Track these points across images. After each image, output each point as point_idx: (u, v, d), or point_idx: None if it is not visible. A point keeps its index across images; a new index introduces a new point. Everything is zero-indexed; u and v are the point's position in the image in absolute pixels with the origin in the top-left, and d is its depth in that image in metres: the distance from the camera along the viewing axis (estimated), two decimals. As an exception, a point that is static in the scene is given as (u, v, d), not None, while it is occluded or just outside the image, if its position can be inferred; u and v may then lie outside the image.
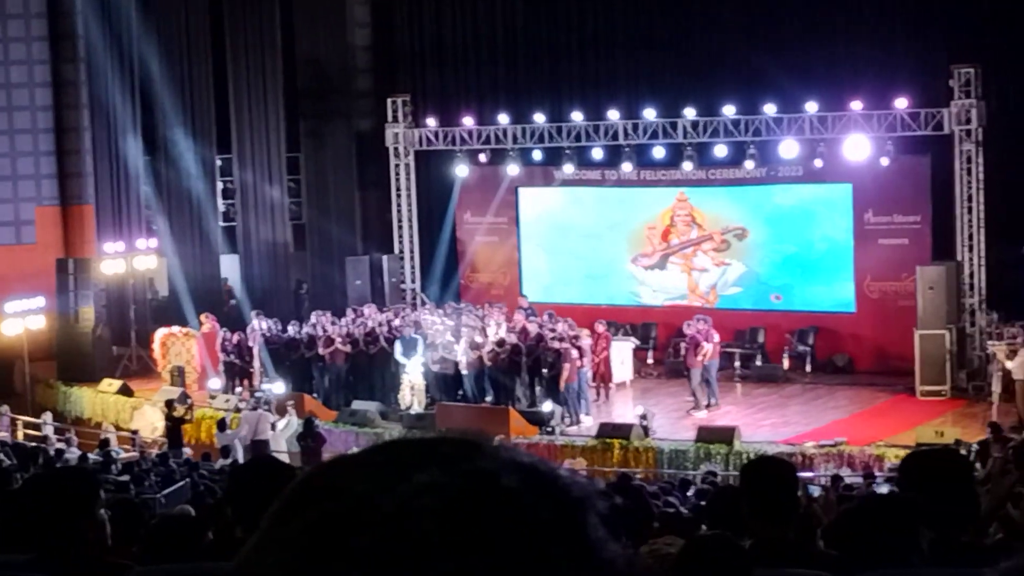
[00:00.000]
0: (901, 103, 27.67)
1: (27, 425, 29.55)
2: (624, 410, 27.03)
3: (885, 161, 27.86)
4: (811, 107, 28.37)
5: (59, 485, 4.78)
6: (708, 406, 26.49)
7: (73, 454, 23.06)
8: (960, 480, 5.12)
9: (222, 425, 25.04)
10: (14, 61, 36.02)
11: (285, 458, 23.18)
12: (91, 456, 21.97)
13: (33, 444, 25.72)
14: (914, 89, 28.05)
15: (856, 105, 27.98)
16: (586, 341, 26.81)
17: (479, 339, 27.07)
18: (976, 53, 27.80)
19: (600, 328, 27.87)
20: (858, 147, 27.94)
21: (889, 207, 28.85)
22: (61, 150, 36.63)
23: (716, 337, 26.70)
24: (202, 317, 31.45)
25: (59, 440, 26.59)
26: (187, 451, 24.58)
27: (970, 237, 27.54)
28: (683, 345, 27.44)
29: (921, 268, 27.07)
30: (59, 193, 36.78)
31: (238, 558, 1.27)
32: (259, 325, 29.65)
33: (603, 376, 27.77)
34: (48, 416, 29.67)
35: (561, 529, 1.23)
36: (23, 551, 5.13)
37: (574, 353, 25.92)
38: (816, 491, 15.34)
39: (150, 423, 28.35)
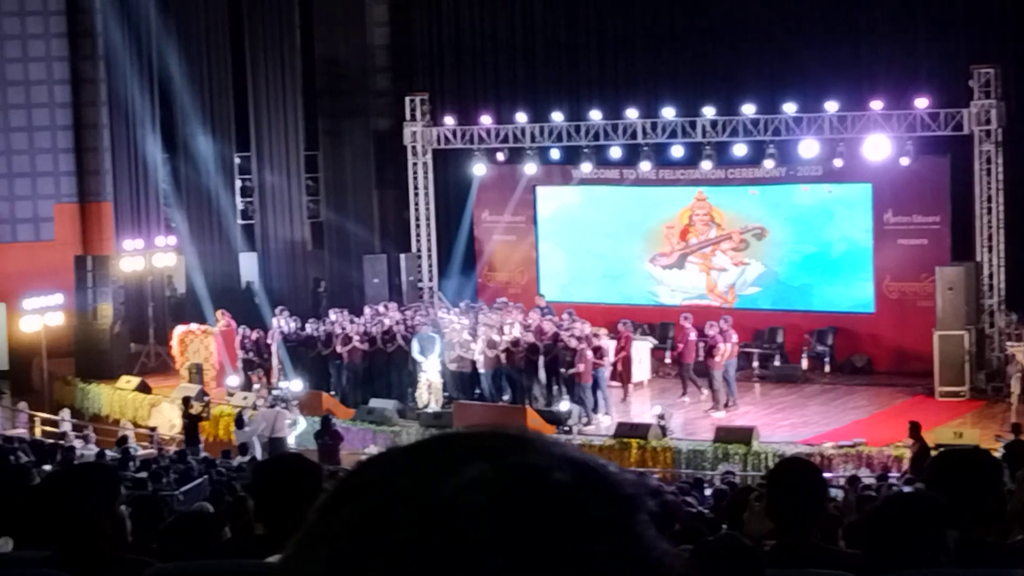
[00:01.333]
0: (921, 103, 27.59)
1: (45, 422, 29.63)
2: (642, 410, 26.97)
3: (905, 161, 27.77)
4: (831, 107, 28.27)
5: (79, 481, 4.76)
6: (726, 406, 26.42)
7: (91, 451, 23.10)
8: (988, 480, 5.07)
9: (240, 422, 25.04)
10: (33, 58, 36.14)
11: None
12: (109, 453, 21.99)
13: (51, 441, 25.78)
14: (934, 89, 27.95)
15: (876, 105, 27.90)
16: (605, 340, 26.76)
17: (496, 338, 27.03)
18: (996, 53, 27.73)
19: (622, 328, 27.79)
20: (878, 147, 27.86)
21: (909, 207, 28.77)
22: (80, 147, 36.76)
23: (734, 337, 26.63)
24: (218, 314, 31.50)
25: (77, 437, 26.64)
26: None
27: (989, 238, 27.45)
28: (676, 345, 27.32)
29: (940, 269, 26.98)
30: (78, 190, 36.92)
31: (284, 552, 1.25)
32: (279, 323, 29.64)
33: (622, 376, 27.70)
34: (66, 413, 29.74)
35: (611, 527, 1.20)
36: (42, 547, 5.11)
37: (589, 353, 25.87)
38: (835, 492, 15.27)
39: (168, 420, 28.40)
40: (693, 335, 27.25)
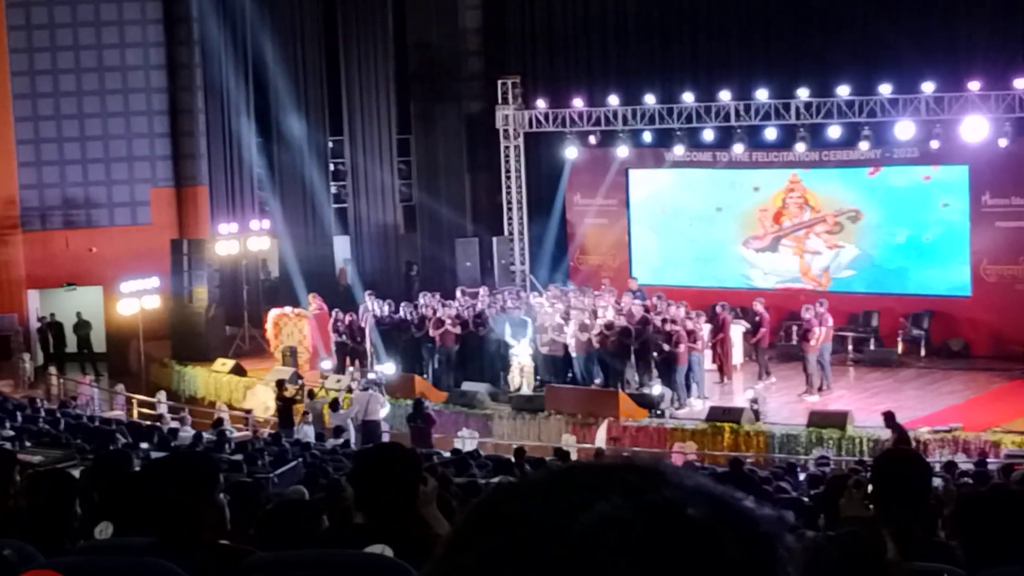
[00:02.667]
0: (1020, 83, 27.13)
1: (142, 404, 30.02)
2: (735, 394, 26.83)
3: (1003, 142, 27.35)
4: (928, 87, 27.91)
5: (179, 470, 4.80)
6: (820, 390, 26.20)
7: (187, 433, 23.35)
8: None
9: (335, 405, 25.19)
10: (130, 44, 36.54)
11: (385, 439, 23.40)
12: (205, 435, 22.21)
13: (148, 423, 26.11)
14: (1034, 69, 27.52)
15: (974, 86, 27.49)
16: (701, 324, 26.62)
17: (588, 321, 26.97)
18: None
19: (720, 311, 27.67)
20: (976, 128, 27.45)
21: (1007, 189, 28.34)
22: (176, 132, 37.12)
23: (829, 321, 26.39)
24: (310, 297, 31.69)
25: (173, 419, 26.95)
26: (308, 429, 24.72)
27: (1090, 220, 27.00)
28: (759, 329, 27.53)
29: (1039, 251, 26.59)
30: (174, 174, 37.29)
31: None
32: (371, 306, 29.76)
33: (721, 359, 27.56)
34: (162, 395, 30.12)
35: (749, 567, 1.17)
36: (141, 533, 5.17)
37: (684, 336, 25.74)
38: (936, 481, 15.07)
39: (262, 403, 28.64)
40: (767, 318, 27.43)
